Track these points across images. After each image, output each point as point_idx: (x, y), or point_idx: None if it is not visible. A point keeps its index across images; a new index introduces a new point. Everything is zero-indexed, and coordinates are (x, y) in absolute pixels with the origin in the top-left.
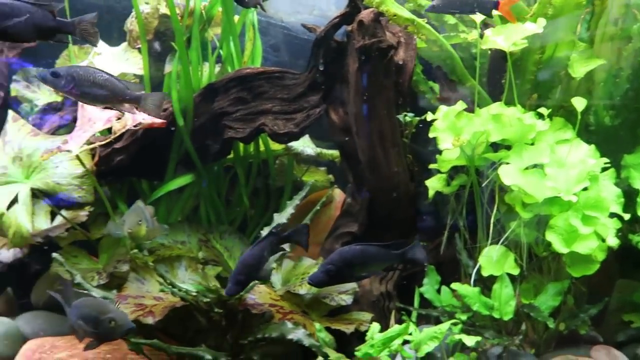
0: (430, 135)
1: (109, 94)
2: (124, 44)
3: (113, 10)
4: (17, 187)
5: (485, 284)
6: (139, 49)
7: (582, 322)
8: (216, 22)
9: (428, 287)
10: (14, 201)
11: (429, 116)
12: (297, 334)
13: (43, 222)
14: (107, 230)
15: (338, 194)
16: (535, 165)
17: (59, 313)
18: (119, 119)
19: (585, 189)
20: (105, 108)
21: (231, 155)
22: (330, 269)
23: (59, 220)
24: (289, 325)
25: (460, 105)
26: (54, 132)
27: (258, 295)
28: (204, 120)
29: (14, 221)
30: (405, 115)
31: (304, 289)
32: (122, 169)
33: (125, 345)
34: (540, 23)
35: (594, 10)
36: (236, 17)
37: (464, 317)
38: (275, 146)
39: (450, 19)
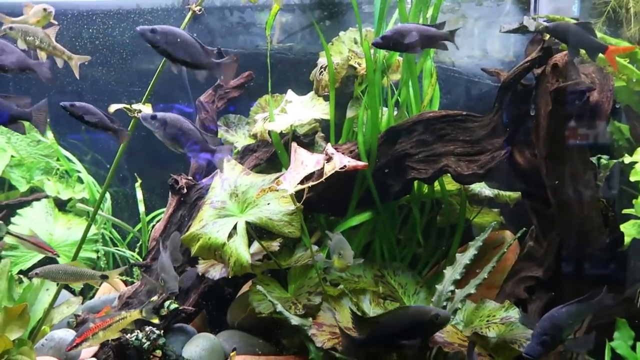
0: (631, 179)
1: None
2: (311, 93)
3: (299, 62)
4: (234, 220)
5: None
6: (324, 97)
7: None
8: (393, 69)
9: (621, 342)
10: (232, 233)
11: (627, 159)
12: None
13: None
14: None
15: (509, 236)
16: None
17: (248, 333)
18: (328, 161)
19: None
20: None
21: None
22: (545, 339)
23: (254, 247)
24: None
25: None
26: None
27: (446, 334)
28: (385, 161)
29: (234, 251)
30: (600, 158)
31: (492, 332)
32: (310, 204)
33: None
34: None
35: None
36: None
37: None
38: (449, 186)
39: None
